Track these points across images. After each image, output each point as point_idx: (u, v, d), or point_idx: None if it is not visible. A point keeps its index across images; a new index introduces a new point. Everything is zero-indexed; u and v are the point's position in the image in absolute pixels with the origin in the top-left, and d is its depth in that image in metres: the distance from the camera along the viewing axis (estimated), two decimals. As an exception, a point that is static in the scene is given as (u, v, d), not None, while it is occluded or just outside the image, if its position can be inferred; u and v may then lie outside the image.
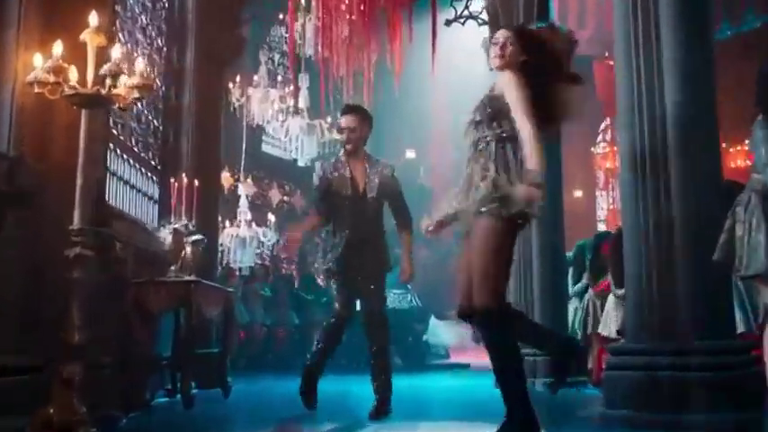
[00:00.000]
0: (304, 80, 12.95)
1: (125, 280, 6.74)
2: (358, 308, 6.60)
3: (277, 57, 19.18)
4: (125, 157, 7.74)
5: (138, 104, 8.09)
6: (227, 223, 14.03)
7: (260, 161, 19.71)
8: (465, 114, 4.61)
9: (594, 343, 9.57)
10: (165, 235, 7.15)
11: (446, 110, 23.06)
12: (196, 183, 7.72)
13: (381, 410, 6.12)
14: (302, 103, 12.69)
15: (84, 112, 4.58)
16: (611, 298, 8.32)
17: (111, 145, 7.24)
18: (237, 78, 12.92)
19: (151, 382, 7.34)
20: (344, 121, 6.45)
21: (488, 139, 4.40)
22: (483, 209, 4.24)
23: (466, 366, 15.39)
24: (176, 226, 7.15)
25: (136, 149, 8.11)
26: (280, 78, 13.22)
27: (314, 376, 6.44)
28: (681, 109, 5.52)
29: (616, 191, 23.71)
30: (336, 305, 6.44)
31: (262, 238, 14.37)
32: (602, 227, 24.23)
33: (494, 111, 4.40)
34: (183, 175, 7.65)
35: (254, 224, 14.23)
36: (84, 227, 4.60)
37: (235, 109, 12.95)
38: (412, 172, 22.73)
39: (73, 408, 4.18)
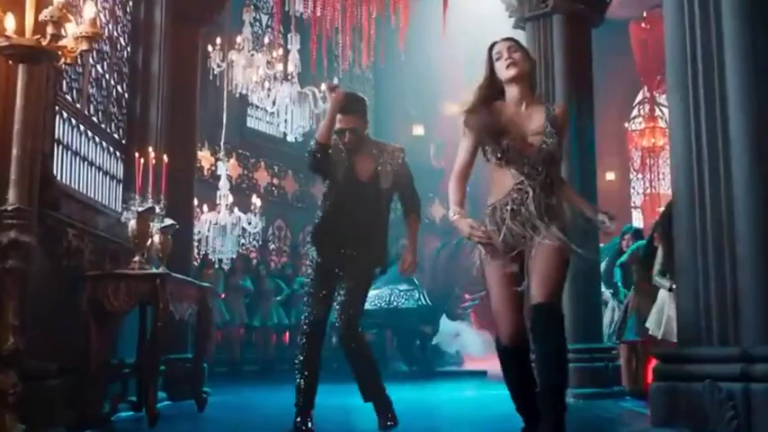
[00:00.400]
0: (294, 42, 12.47)
1: (79, 273, 6.40)
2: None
3: (265, 18, 18.86)
4: (82, 128, 7.34)
5: (98, 67, 7.77)
6: (205, 208, 13.63)
7: (246, 138, 19.44)
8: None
9: (625, 349, 9.27)
10: (128, 219, 6.77)
11: (458, 81, 22.53)
12: (165, 158, 7.37)
13: (385, 422, 6.23)
14: (292, 68, 12.20)
15: (21, 68, 4.25)
16: (662, 294, 7.91)
17: (64, 113, 6.87)
18: (218, 41, 12.49)
19: (112, 394, 6.97)
20: (339, 121, 6.21)
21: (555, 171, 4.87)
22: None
23: (482, 374, 14.76)
24: (141, 209, 6.76)
25: (96, 120, 7.71)
26: (267, 41, 12.62)
27: (309, 401, 6.21)
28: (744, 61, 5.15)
29: (654, 172, 23.32)
30: (308, 304, 6.28)
31: (245, 226, 13.92)
32: (636, 215, 23.84)
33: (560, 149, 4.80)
34: (150, 149, 7.28)
35: (236, 209, 13.79)
36: (21, 207, 4.27)
37: (215, 76, 12.50)
38: (421, 151, 22.21)
39: (5, 426, 3.84)
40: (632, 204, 24.11)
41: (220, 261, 13.61)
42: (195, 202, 13.25)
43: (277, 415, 6.34)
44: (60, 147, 6.80)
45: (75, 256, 6.44)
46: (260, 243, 17.37)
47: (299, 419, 6.06)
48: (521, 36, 8.95)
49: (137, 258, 6.74)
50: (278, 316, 15.22)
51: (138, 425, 6.53)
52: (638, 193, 24.84)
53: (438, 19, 19.63)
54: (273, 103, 12.25)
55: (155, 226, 7.14)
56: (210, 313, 8.18)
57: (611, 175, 22.76)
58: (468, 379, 14.51)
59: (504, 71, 4.79)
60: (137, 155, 7.27)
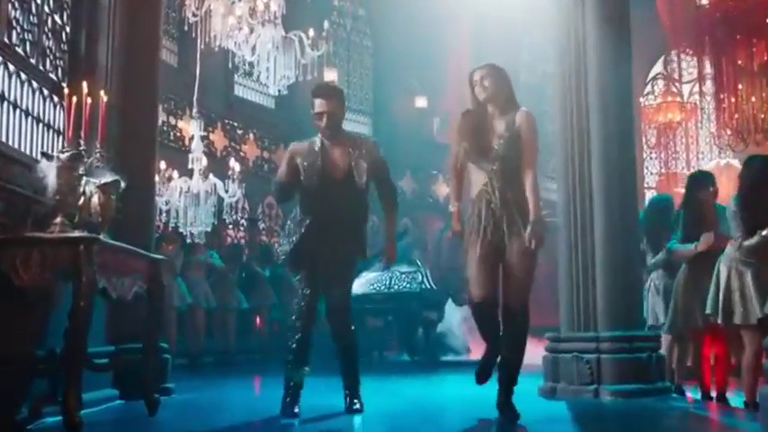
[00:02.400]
0: None
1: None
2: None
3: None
4: (-1, 59, 5.75)
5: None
6: (175, 174, 11.96)
7: (233, 108, 18.08)
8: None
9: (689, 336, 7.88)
10: (46, 167, 5.15)
11: (464, 48, 21.68)
12: (104, 97, 5.75)
13: (353, 406, 6.46)
14: (275, 8, 10.44)
15: None
16: (723, 271, 6.33)
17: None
18: (193, -18, 10.83)
19: (36, 394, 5.35)
20: (320, 104, 6.43)
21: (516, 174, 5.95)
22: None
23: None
24: (64, 155, 5.15)
25: (21, 52, 6.11)
26: None
27: (297, 380, 6.40)
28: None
29: (672, 149, 21.75)
30: (295, 305, 6.48)
31: (222, 194, 12.17)
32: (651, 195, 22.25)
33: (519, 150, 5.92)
34: (85, 85, 5.64)
35: (211, 175, 12.05)
36: None
37: (190, 26, 10.84)
38: (424, 125, 21.02)
39: None
40: (645, 185, 22.37)
41: (192, 235, 11.87)
42: (173, 172, 11.72)
43: (245, 421, 5.72)
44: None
45: (-28, 215, 4.84)
46: (246, 221, 15.96)
47: (288, 401, 6.28)
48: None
49: (58, 219, 5.14)
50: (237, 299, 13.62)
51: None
52: (651, 173, 23.25)
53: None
54: (253, 50, 10.51)
55: (91, 182, 5.54)
56: (164, 293, 6.50)
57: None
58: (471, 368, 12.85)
59: (479, 95, 6.04)
60: (66, 91, 5.65)
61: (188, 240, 11.97)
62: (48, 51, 6.64)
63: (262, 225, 17.89)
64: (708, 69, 17.57)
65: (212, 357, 12.71)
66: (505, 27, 21.38)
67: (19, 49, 6.12)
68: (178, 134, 15.36)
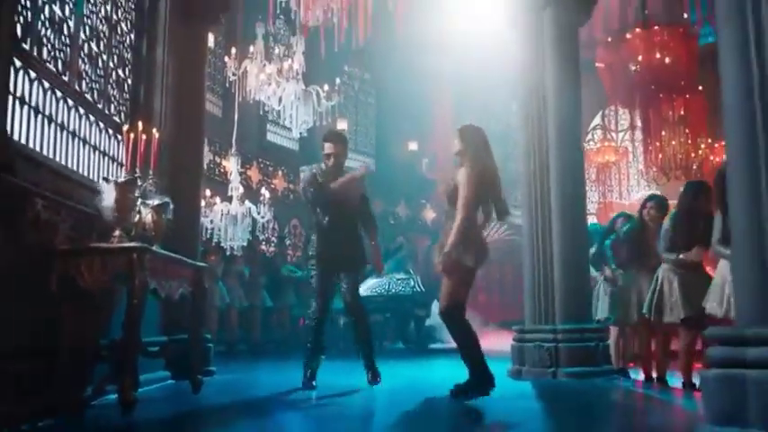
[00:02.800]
0: (299, 44, 10.46)
1: (47, 249, 4.50)
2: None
3: (275, 28, 17.09)
4: (70, 102, 5.47)
5: (92, 44, 5.90)
6: (218, 199, 11.68)
7: (265, 150, 17.80)
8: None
9: (643, 327, 7.39)
10: (107, 190, 4.86)
11: (448, 103, 21.66)
12: (156, 134, 5.48)
13: (376, 378, 6.52)
14: (297, 66, 10.21)
15: None
16: (722, 269, 5.98)
17: (44, 83, 5.00)
18: (233, 51, 10.57)
19: (100, 375, 5.04)
20: (328, 147, 6.56)
21: (453, 213, 5.61)
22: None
23: None
24: (121, 179, 4.87)
25: (90, 98, 5.83)
26: (276, 51, 10.59)
27: (314, 365, 6.48)
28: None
29: (607, 185, 21.65)
30: (314, 303, 6.55)
31: (254, 215, 11.90)
32: (591, 219, 22.05)
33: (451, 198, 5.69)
34: (140, 123, 5.37)
35: (247, 201, 11.77)
36: None
37: (230, 84, 10.58)
38: (414, 164, 20.97)
39: None
40: (588, 211, 22.17)
41: (232, 249, 11.58)
42: (216, 198, 11.43)
43: (272, 394, 5.55)
44: (39, 116, 4.92)
45: (46, 229, 4.53)
46: (276, 238, 15.68)
47: (307, 376, 6.34)
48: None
49: (117, 233, 4.83)
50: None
51: (116, 411, 4.53)
52: (591, 202, 23.12)
53: (429, 47, 18.55)
54: (280, 100, 10.27)
55: (146, 202, 5.26)
56: (206, 294, 6.19)
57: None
58: (454, 356, 12.60)
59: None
60: (125, 128, 5.38)
61: (228, 253, 11.65)
62: (112, 98, 6.36)
63: (288, 242, 17.49)
64: (637, 121, 17.56)
65: (245, 346, 12.39)
66: (479, 86, 21.36)
67: (88, 96, 5.84)
68: (222, 170, 15.04)
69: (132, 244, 4.65)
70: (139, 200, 5.27)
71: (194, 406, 5.38)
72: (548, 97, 7.70)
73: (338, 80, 10.37)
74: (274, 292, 13.15)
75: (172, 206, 5.73)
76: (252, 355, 11.52)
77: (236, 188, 11.48)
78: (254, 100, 10.70)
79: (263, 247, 15.24)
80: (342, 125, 18.98)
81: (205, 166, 14.60)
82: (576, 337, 7.13)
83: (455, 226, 5.48)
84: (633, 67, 14.57)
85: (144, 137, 5.32)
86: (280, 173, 17.80)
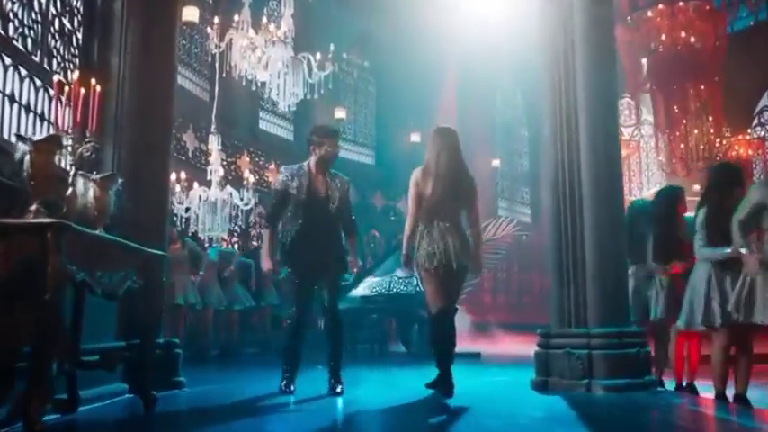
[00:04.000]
0: (288, 4, 9.16)
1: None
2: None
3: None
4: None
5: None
6: (196, 184, 10.45)
7: (258, 138, 16.73)
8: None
9: (674, 332, 6.49)
10: (20, 152, 3.69)
11: (451, 94, 20.92)
12: (97, 87, 4.31)
13: (336, 388, 6.04)
14: (285, 29, 8.91)
15: None
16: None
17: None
18: (216, 20, 9.33)
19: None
20: (329, 143, 6.24)
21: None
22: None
23: (476, 356, 12.23)
24: (38, 137, 3.69)
25: (22, 47, 4.67)
26: (264, 20, 9.30)
27: (292, 374, 6.14)
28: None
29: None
30: (293, 302, 6.24)
31: (237, 202, 10.57)
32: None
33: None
34: (75, 75, 4.19)
35: (228, 186, 10.52)
36: None
37: (212, 57, 9.37)
38: (418, 156, 19.69)
39: None
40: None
41: (210, 240, 10.33)
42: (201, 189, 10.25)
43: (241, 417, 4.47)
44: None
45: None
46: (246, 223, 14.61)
47: (283, 383, 6.03)
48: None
49: (33, 207, 3.65)
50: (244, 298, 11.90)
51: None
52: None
53: (429, 35, 17.79)
54: (266, 68, 8.99)
55: (84, 175, 4.12)
56: (162, 290, 5.01)
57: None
58: (464, 361, 11.37)
59: None
60: (55, 78, 4.21)
61: (206, 245, 10.36)
62: (54, 51, 5.20)
63: (252, 232, 16.16)
64: (645, 115, 16.68)
65: (219, 350, 11.15)
66: (484, 76, 21.37)
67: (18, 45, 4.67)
68: (208, 159, 13.88)
69: (46, 220, 3.46)
70: (73, 169, 4.12)
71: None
72: (577, 63, 6.52)
73: (332, 47, 9.07)
74: (254, 289, 11.90)
75: (121, 180, 4.61)
76: (230, 362, 10.32)
77: (215, 171, 10.22)
78: (246, 80, 9.43)
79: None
80: (339, 114, 18.03)
81: (190, 154, 13.64)
82: (614, 342, 5.97)
83: (477, 226, 5.97)
84: (654, 47, 13.37)
85: (81, 90, 4.16)
86: (273, 165, 16.67)
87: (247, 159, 14.92)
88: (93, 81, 4.27)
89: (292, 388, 5.96)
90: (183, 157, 13.49)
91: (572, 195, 6.36)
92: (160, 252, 4.79)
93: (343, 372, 6.15)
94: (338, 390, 5.96)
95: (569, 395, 5.74)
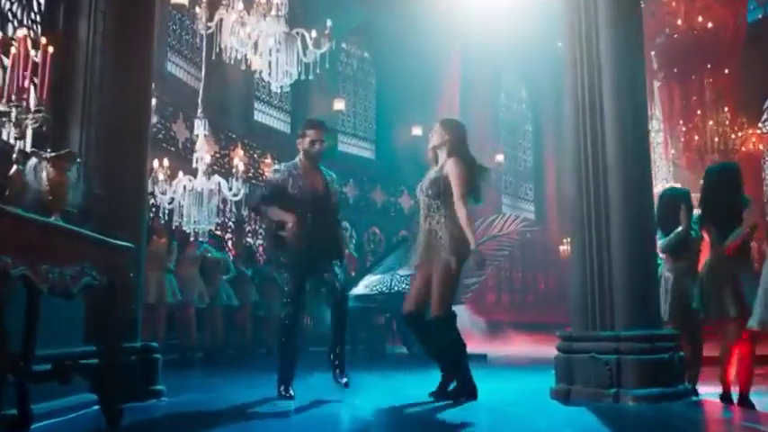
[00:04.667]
0: None
1: None
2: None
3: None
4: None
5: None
6: (180, 174, 9.78)
7: (252, 131, 16.18)
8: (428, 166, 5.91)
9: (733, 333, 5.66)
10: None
11: (454, 87, 20.72)
12: (50, 48, 3.64)
13: (342, 377, 5.93)
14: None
15: None
16: None
17: None
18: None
19: None
20: (317, 134, 6.10)
21: (439, 207, 5.61)
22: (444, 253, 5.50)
23: (482, 357, 11.31)
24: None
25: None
26: None
27: (290, 376, 5.80)
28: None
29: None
30: (288, 301, 5.93)
31: (225, 193, 9.85)
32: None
33: (441, 190, 5.60)
34: (23, 32, 3.52)
35: (216, 176, 9.78)
36: None
37: (202, 36, 8.68)
38: (420, 150, 19.21)
39: None
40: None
41: (196, 234, 9.65)
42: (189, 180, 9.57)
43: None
44: None
45: None
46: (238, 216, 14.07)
47: (282, 388, 5.72)
48: None
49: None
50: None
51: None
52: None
53: (431, 26, 17.40)
54: (256, 46, 8.26)
55: (35, 153, 3.48)
56: (129, 286, 4.34)
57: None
58: (469, 364, 10.87)
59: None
60: (-2, 36, 3.56)
61: (192, 239, 9.68)
62: (10, 15, 4.54)
63: (247, 228, 15.82)
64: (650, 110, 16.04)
65: (202, 353, 10.53)
66: (488, 69, 21.26)
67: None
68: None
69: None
70: (18, 144, 3.46)
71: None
72: (601, 44, 5.87)
73: (329, 22, 8.31)
74: (235, 287, 11.15)
75: (80, 160, 3.99)
76: (216, 365, 9.70)
77: (201, 158, 9.52)
78: (236, 61, 8.71)
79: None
80: (338, 106, 17.50)
81: (180, 145, 13.00)
82: (646, 347, 5.31)
83: (464, 222, 5.50)
84: (670, 32, 12.71)
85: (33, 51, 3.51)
86: (269, 158, 16.13)
87: (241, 152, 14.28)
88: (43, 40, 3.60)
89: (292, 392, 5.67)
90: (173, 149, 12.98)
91: (596, 186, 5.75)
92: (127, 244, 4.11)
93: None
94: (344, 381, 5.86)
95: (595, 406, 5.13)
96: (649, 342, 5.33)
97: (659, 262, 6.10)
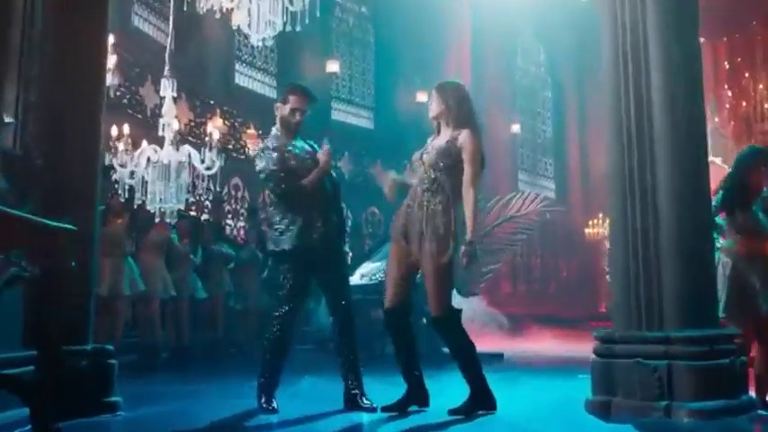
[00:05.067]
0: None
1: None
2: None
3: None
4: None
5: None
6: (144, 143, 9.27)
7: (233, 96, 16.04)
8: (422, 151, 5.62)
9: None
10: None
11: (464, 48, 20.49)
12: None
13: (362, 398, 5.68)
14: None
15: None
16: None
17: None
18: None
19: None
20: (301, 102, 5.90)
21: (445, 184, 5.41)
22: (437, 246, 5.26)
23: (498, 357, 11.47)
24: None
25: None
26: None
27: (272, 388, 5.65)
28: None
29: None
30: (285, 297, 5.77)
31: (197, 165, 9.32)
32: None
33: (452, 163, 5.43)
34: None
35: (186, 146, 9.25)
36: None
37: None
38: (423, 118, 18.97)
39: None
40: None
41: (162, 214, 9.24)
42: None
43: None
44: None
45: None
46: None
47: (263, 399, 5.55)
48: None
49: None
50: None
51: None
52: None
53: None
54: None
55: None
56: (78, 277, 4.00)
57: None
58: (484, 366, 10.54)
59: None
60: None
61: (160, 220, 9.29)
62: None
63: (227, 207, 15.71)
64: None
65: (168, 352, 10.19)
66: (502, 28, 20.90)
67: None
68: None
69: None
70: None
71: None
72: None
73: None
74: (203, 275, 10.94)
75: (10, 121, 3.65)
76: (182, 369, 9.42)
77: (168, 125, 9.05)
78: (215, 14, 8.32)
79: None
80: (332, 68, 17.30)
81: (149, 112, 12.71)
82: (703, 351, 5.00)
83: (470, 209, 5.34)
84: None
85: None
86: (251, 126, 16.00)
87: (220, 120, 14.00)
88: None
89: (275, 404, 5.56)
90: (140, 115, 12.69)
91: (641, 160, 5.44)
92: (66, 226, 3.72)
93: (334, 382, 5.85)
94: (364, 403, 5.62)
95: (642, 422, 4.91)
96: (707, 344, 5.05)
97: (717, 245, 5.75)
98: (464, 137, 5.40)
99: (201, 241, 11.18)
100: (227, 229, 14.64)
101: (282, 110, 5.83)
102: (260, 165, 5.72)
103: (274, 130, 5.91)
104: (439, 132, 5.62)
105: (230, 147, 14.88)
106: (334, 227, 5.84)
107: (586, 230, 23.57)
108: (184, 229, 10.52)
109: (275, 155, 5.67)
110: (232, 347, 11.35)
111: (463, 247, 5.23)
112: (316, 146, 5.99)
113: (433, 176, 5.40)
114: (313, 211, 5.71)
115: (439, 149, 5.44)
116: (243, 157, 15.22)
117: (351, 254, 6.21)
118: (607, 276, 25.13)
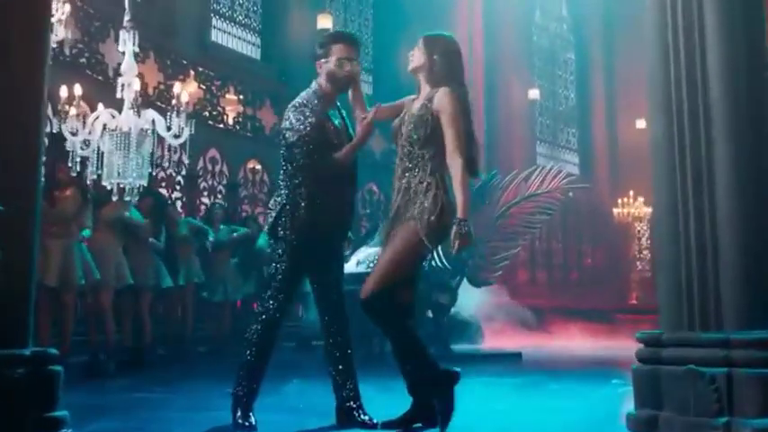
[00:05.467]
0: None
1: None
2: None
3: None
4: None
5: None
6: (100, 105, 8.87)
7: (209, 54, 15.98)
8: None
9: None
10: None
11: (476, 4, 20.84)
12: None
13: (360, 412, 5.59)
14: None
15: None
16: None
17: None
18: None
19: None
20: (347, 50, 5.74)
21: (426, 157, 5.25)
22: (415, 224, 5.13)
23: (517, 357, 11.99)
24: None
25: None
26: None
27: (250, 399, 5.55)
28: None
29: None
30: (274, 292, 5.59)
31: (162, 133, 8.85)
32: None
33: (428, 133, 5.22)
34: None
35: (150, 111, 8.78)
36: None
37: None
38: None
39: None
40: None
41: (122, 190, 8.97)
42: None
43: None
44: None
45: None
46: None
47: (239, 414, 5.46)
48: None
49: None
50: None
51: None
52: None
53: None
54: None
55: None
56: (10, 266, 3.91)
57: (641, 124, 20.53)
58: (499, 368, 11.01)
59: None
60: None
61: (114, 198, 9.06)
62: None
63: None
64: None
65: (128, 356, 10.08)
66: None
67: None
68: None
69: None
70: None
71: None
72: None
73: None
74: (169, 261, 10.77)
75: None
76: (142, 376, 9.24)
77: (128, 85, 8.65)
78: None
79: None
80: (324, 23, 17.35)
81: (111, 72, 12.59)
82: (770, 356, 4.90)
83: (458, 181, 5.17)
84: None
85: None
86: (231, 90, 15.93)
87: (195, 83, 13.92)
88: None
89: (252, 420, 5.47)
90: (100, 77, 12.50)
91: (694, 131, 5.25)
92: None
93: (324, 389, 5.78)
94: (362, 418, 5.51)
95: None
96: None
97: None
98: (439, 96, 5.23)
99: (167, 222, 11.04)
100: (203, 210, 14.50)
101: (329, 64, 5.60)
102: (291, 122, 5.49)
103: (312, 89, 5.66)
104: (419, 93, 5.53)
105: (206, 114, 14.84)
106: (346, 216, 5.81)
107: (615, 210, 23.70)
108: (148, 208, 10.31)
109: (313, 119, 5.47)
110: (201, 346, 11.38)
111: (454, 228, 5.00)
112: (347, 120, 5.86)
113: (409, 151, 5.29)
114: (329, 194, 5.61)
115: (413, 118, 5.32)
116: (221, 126, 15.25)
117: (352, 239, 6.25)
118: (638, 263, 25.51)
